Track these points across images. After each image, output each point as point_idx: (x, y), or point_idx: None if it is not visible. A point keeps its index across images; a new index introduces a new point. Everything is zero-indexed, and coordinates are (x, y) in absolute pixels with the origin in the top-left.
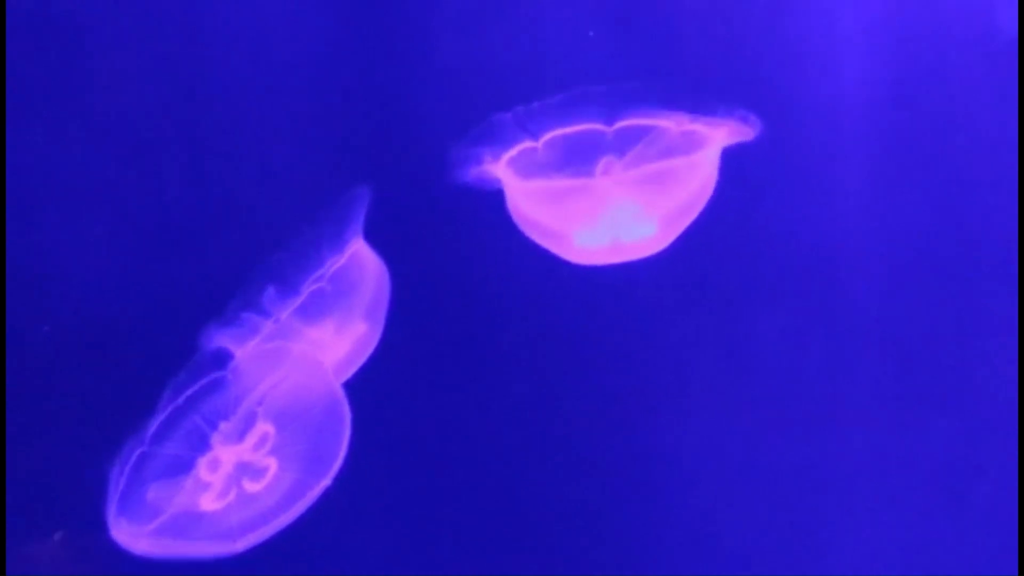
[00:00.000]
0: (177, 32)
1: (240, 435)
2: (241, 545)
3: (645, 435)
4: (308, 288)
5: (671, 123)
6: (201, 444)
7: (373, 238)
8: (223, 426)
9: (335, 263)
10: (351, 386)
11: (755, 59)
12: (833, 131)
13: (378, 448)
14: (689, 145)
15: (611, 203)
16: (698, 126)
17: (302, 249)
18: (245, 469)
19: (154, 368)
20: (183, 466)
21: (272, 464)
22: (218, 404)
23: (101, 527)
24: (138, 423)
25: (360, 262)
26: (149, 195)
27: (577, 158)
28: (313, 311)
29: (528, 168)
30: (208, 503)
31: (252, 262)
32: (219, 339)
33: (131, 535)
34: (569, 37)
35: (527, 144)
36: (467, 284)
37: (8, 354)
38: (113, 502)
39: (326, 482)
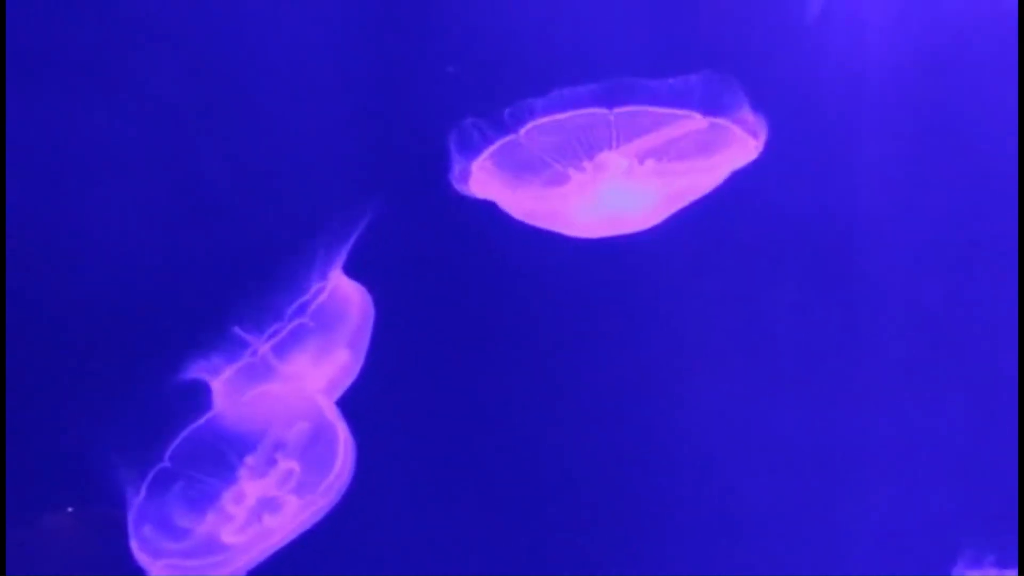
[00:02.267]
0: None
1: (264, 470)
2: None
3: (655, 426)
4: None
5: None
6: (228, 474)
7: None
8: (249, 460)
9: (319, 295)
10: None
11: (762, 44)
12: (845, 111)
13: (382, 460)
14: (702, 146)
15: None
16: (715, 120)
17: (304, 275)
18: (266, 504)
19: (175, 350)
20: (208, 494)
21: (292, 500)
22: (244, 435)
23: (111, 502)
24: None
25: (342, 292)
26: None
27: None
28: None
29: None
30: (229, 535)
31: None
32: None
33: (148, 551)
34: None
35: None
36: (464, 278)
37: (26, 332)
38: (134, 514)
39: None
